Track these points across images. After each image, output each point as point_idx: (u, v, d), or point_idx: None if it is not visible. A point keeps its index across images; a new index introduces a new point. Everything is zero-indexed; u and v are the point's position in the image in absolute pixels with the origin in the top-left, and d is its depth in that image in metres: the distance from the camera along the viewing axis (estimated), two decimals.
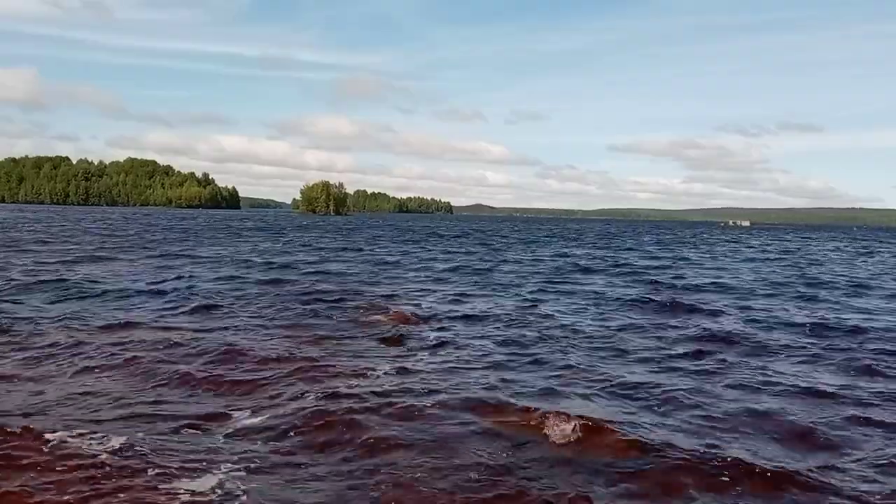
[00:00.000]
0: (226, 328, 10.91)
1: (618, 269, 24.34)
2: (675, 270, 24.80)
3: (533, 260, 28.88)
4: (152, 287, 15.36)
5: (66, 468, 5.11)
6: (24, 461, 5.20)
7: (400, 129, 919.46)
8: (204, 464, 5.36)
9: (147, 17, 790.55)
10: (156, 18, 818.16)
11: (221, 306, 13.00)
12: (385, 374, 8.25)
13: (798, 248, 48.45)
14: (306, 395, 7.24)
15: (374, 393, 7.29)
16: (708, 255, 36.11)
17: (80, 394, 7.09)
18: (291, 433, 6.14)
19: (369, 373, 8.23)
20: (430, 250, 33.21)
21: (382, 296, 14.95)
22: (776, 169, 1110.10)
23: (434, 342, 10.21)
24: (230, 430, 6.19)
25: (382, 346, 10.07)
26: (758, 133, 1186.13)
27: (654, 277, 21.00)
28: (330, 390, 7.35)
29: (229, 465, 5.37)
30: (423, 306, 13.69)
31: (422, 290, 16.64)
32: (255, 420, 6.48)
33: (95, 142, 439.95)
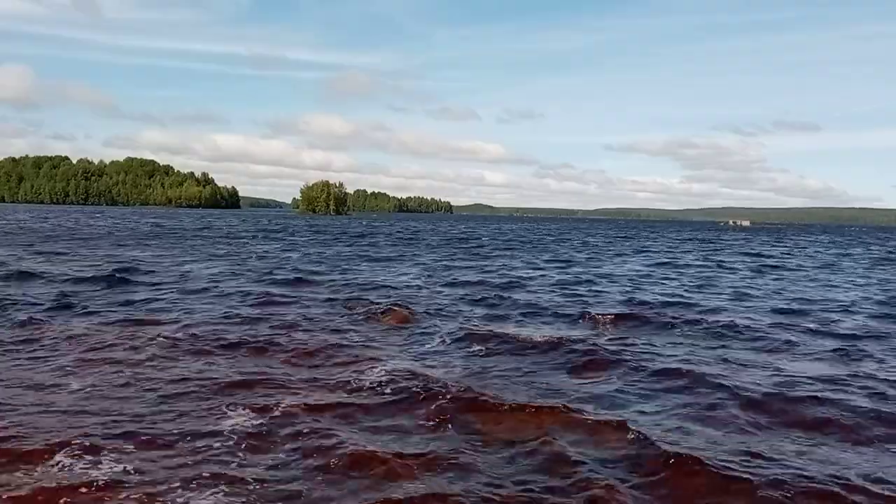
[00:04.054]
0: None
1: None
2: None
3: None
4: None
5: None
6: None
7: (398, 128, 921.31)
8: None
9: (142, 17, 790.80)
10: (151, 18, 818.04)
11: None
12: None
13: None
14: (311, 395, 7.07)
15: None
16: None
17: None
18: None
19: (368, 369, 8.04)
20: None
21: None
22: (774, 168, 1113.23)
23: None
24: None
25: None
26: (755, 132, 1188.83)
27: None
28: (333, 389, 7.21)
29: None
30: None
31: None
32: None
33: (90, 141, 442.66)
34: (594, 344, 9.73)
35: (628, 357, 9.04)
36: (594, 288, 17.85)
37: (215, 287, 15.40)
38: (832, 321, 13.06)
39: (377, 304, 13.04)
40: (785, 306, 15.00)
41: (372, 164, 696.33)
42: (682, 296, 16.52)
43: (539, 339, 9.84)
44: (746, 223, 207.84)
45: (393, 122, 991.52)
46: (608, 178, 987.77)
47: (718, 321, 12.23)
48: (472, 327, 10.94)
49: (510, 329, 10.98)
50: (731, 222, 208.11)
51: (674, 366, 8.58)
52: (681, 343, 10.44)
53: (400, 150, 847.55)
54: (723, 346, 10.26)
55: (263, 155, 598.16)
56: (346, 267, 22.10)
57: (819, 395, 7.39)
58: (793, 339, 10.90)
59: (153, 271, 18.37)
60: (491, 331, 10.54)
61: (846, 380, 8.20)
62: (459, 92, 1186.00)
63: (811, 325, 12.34)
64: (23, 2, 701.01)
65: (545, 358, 9.01)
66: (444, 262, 25.53)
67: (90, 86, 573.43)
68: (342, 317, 11.96)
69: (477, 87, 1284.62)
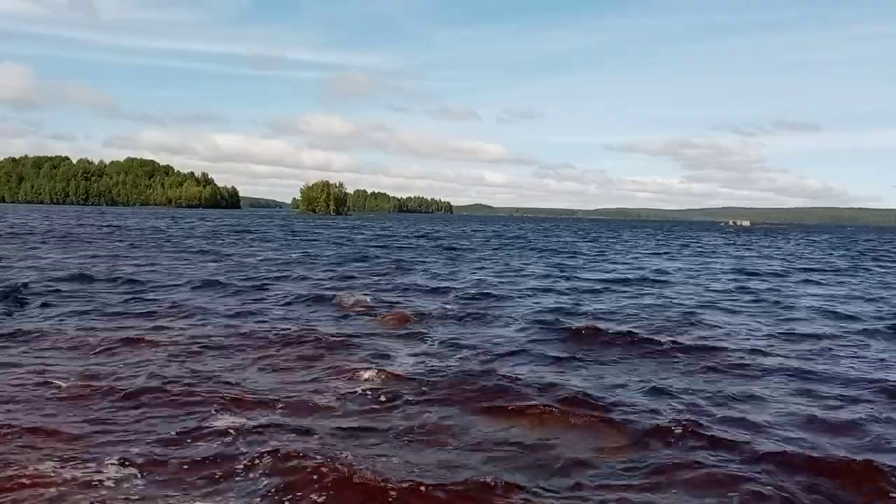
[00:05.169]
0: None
1: None
2: None
3: None
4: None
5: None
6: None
7: (398, 128, 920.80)
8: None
9: (142, 17, 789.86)
10: (151, 18, 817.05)
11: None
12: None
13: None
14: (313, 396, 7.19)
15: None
16: None
17: None
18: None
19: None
20: None
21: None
22: (774, 168, 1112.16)
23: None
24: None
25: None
26: (755, 132, 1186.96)
27: None
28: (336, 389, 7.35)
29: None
30: None
31: None
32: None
33: (90, 141, 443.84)
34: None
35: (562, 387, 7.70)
36: (576, 297, 17.65)
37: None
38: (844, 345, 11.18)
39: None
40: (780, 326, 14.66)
41: (372, 164, 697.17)
42: (675, 307, 15.77)
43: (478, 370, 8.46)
44: (746, 223, 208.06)
45: (393, 122, 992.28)
46: (608, 178, 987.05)
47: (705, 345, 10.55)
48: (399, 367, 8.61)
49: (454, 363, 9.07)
50: (731, 222, 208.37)
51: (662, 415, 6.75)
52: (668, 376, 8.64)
53: (400, 150, 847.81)
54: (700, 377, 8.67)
55: (263, 155, 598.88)
56: (319, 270, 22.13)
57: None
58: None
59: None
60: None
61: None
62: (459, 92, 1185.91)
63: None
64: (23, 2, 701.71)
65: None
66: (429, 267, 25.59)
67: (90, 86, 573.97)
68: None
69: (477, 87, 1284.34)
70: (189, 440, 5.92)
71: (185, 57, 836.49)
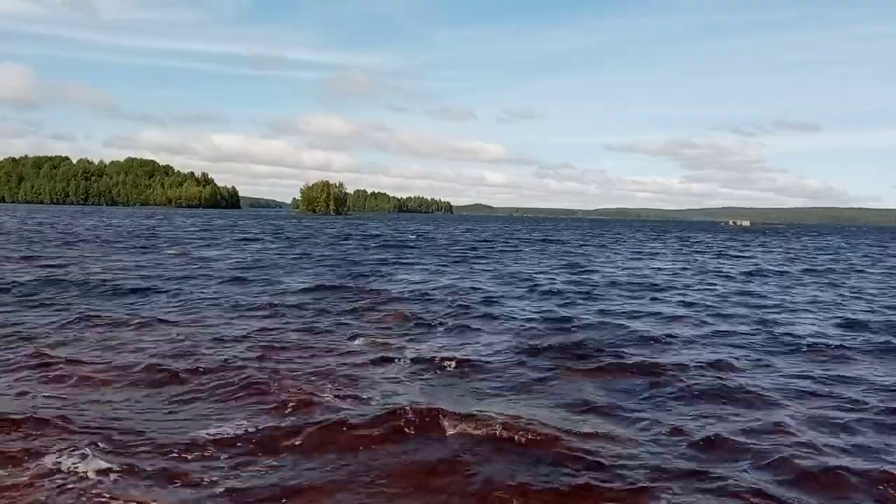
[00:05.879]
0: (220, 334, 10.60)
1: None
2: None
3: None
4: None
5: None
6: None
7: (398, 128, 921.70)
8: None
9: (142, 17, 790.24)
10: (151, 18, 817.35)
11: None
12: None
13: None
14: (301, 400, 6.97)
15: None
16: None
17: None
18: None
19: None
20: None
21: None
22: (774, 168, 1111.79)
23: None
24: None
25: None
26: (755, 132, 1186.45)
27: None
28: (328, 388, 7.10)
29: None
30: None
31: None
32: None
33: (90, 141, 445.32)
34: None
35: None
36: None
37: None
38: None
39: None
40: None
41: (372, 164, 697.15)
42: (672, 313, 15.73)
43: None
44: (746, 223, 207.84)
45: (393, 122, 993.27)
46: (608, 178, 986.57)
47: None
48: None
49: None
50: (731, 222, 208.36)
51: None
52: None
53: (400, 150, 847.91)
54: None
55: (263, 155, 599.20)
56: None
57: None
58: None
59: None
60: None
61: None
62: (459, 92, 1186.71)
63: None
64: (23, 2, 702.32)
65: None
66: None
67: (90, 86, 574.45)
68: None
69: (477, 87, 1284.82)
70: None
71: (185, 57, 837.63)
